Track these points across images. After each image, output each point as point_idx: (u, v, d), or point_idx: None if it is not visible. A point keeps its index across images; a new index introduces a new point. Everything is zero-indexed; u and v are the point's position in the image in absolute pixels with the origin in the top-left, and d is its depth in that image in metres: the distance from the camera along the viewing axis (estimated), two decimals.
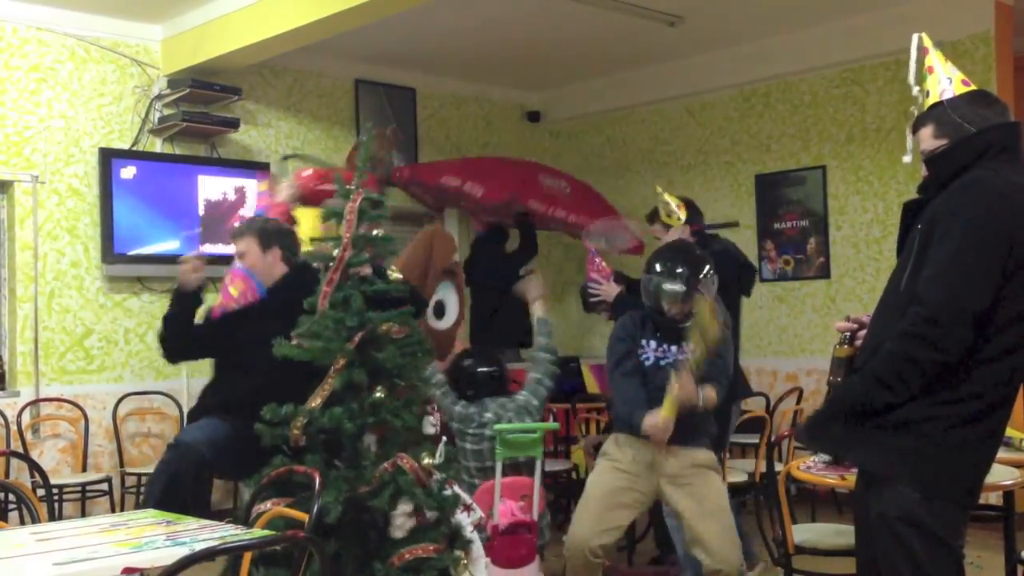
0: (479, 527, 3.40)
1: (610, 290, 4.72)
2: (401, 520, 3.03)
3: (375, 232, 3.19)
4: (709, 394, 3.74)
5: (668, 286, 3.78)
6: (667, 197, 4.73)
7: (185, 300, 4.01)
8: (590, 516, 3.76)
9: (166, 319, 4.07)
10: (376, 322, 3.08)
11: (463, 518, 3.21)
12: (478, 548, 3.24)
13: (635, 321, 3.94)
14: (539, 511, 4.02)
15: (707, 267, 3.86)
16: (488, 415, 4.26)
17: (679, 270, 3.80)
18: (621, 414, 3.85)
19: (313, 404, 3.04)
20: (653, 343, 3.86)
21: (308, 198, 4.34)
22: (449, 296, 4.96)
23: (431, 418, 3.30)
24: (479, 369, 4.42)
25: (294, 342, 3.15)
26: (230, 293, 3.86)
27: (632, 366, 3.83)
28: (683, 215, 4.65)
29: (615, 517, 3.76)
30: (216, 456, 3.76)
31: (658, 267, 3.84)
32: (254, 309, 3.98)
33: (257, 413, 3.28)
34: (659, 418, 3.63)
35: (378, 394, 3.05)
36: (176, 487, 3.68)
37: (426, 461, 3.09)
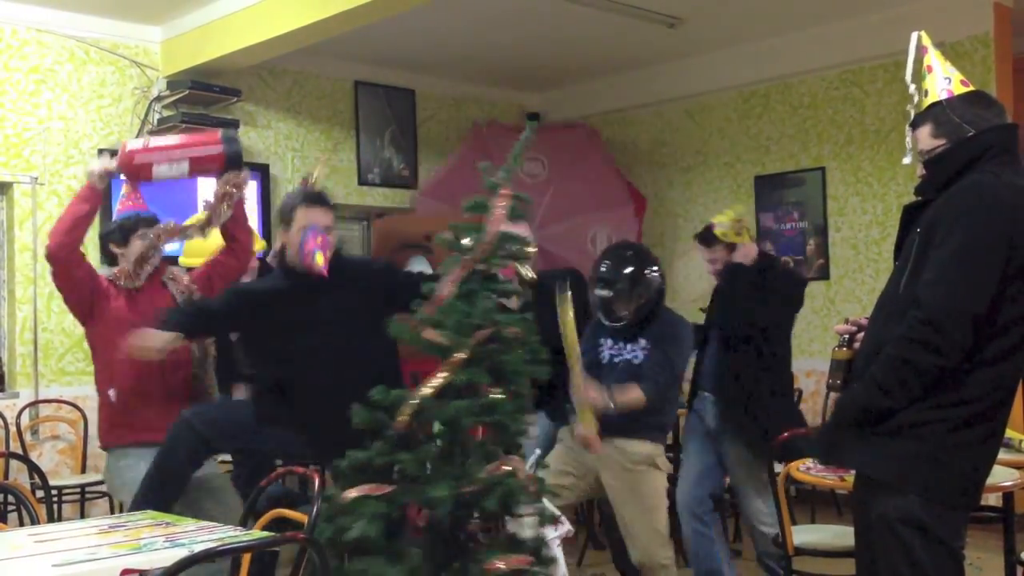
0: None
1: None
2: (530, 521, 2.90)
3: (519, 233, 3.03)
4: (630, 395, 3.71)
5: (597, 292, 3.93)
6: (727, 216, 4.51)
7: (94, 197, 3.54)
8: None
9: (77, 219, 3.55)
10: (503, 323, 2.94)
11: (550, 532, 3.04)
12: (562, 567, 3.11)
13: (596, 319, 4.05)
14: None
15: (632, 267, 3.89)
16: None
17: (603, 273, 3.94)
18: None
19: (425, 392, 2.86)
20: (610, 341, 3.98)
21: (130, 174, 3.65)
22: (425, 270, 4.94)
23: (532, 427, 3.25)
24: None
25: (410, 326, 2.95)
26: (318, 261, 3.40)
27: (587, 362, 3.83)
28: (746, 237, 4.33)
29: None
30: (221, 435, 3.49)
31: (598, 269, 3.96)
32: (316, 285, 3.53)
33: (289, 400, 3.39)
34: (582, 431, 3.65)
35: (499, 395, 2.91)
36: (169, 469, 3.42)
37: (528, 468, 2.94)
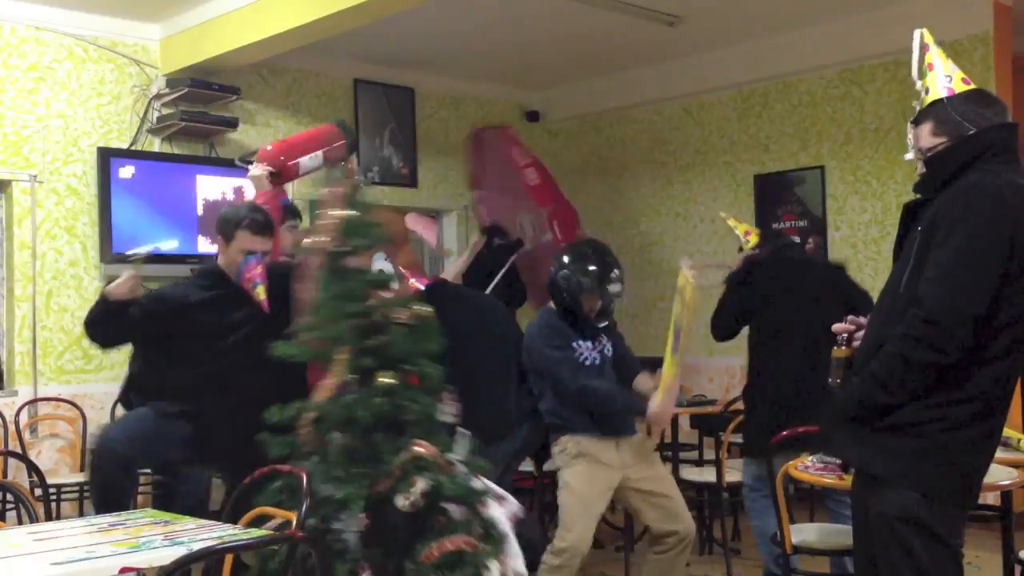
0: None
1: None
2: (415, 498, 2.83)
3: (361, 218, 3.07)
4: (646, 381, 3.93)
5: (612, 287, 3.90)
6: (732, 223, 4.76)
7: (112, 310, 3.69)
8: (592, 520, 3.80)
9: (95, 322, 3.75)
10: (377, 307, 2.95)
11: (497, 511, 3.03)
12: (514, 543, 3.04)
13: (558, 322, 3.94)
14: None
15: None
16: None
17: (614, 272, 3.92)
18: (613, 408, 3.86)
19: (320, 398, 2.90)
20: (589, 343, 3.94)
21: (282, 173, 4.05)
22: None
23: (446, 406, 3.15)
24: None
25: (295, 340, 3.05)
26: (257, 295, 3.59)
27: (572, 364, 3.87)
28: (753, 240, 4.62)
29: (596, 520, 3.85)
30: (142, 451, 3.68)
31: (590, 267, 3.88)
32: (205, 300, 3.73)
33: (202, 400, 3.53)
34: (657, 403, 3.70)
35: (388, 379, 2.89)
36: (110, 491, 3.61)
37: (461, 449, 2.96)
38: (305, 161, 3.99)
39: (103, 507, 3.53)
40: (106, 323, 3.66)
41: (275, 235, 3.74)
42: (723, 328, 4.51)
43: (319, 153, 3.99)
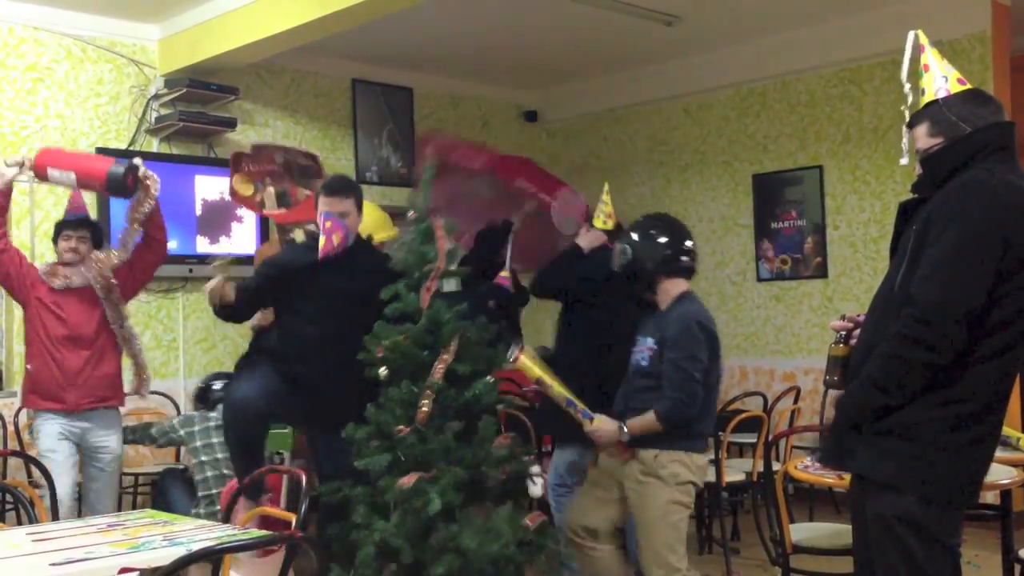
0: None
1: None
2: (540, 483, 3.67)
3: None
4: (644, 423, 3.53)
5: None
6: (605, 197, 4.52)
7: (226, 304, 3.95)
8: (580, 495, 3.86)
9: (223, 317, 4.04)
10: (470, 329, 3.55)
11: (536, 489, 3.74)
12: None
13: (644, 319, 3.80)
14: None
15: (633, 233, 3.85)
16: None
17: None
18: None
19: (436, 377, 3.41)
20: (639, 337, 3.74)
21: (34, 169, 4.25)
22: None
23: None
24: None
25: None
26: (332, 241, 3.79)
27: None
28: (611, 224, 4.43)
29: (596, 503, 3.74)
30: (276, 405, 3.85)
31: (688, 242, 3.74)
32: (328, 263, 3.85)
33: (323, 361, 3.75)
34: (597, 422, 3.64)
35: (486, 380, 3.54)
36: (249, 445, 3.81)
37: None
38: (54, 172, 4.13)
39: (242, 462, 3.78)
40: (228, 312, 3.95)
41: (344, 197, 3.88)
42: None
43: (72, 174, 4.12)
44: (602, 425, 3.61)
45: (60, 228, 4.39)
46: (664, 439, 3.54)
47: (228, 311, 3.94)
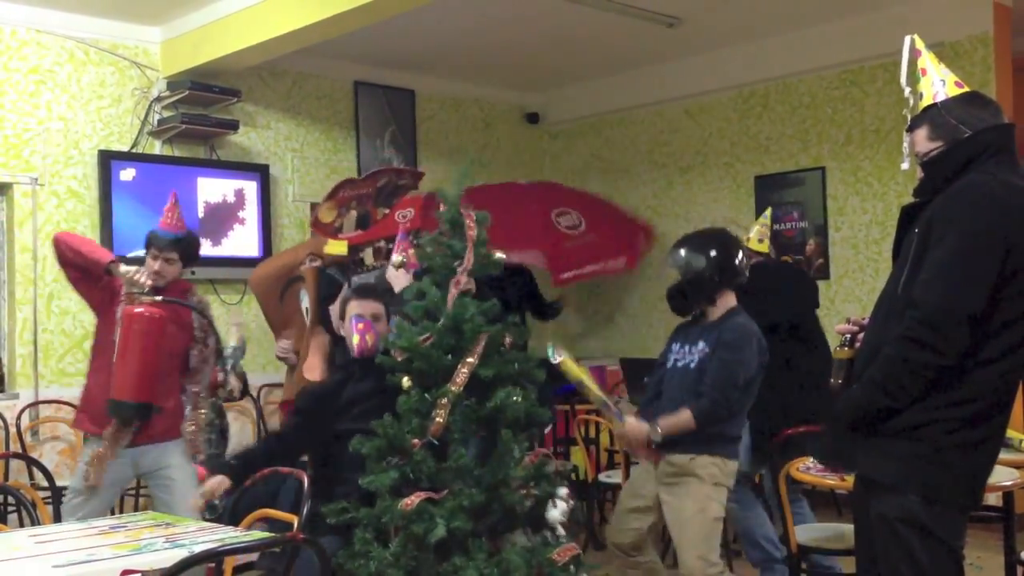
0: None
1: None
2: (562, 506, 3.09)
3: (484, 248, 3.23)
4: (679, 420, 3.54)
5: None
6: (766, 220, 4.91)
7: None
8: (616, 511, 3.86)
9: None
10: (497, 330, 3.11)
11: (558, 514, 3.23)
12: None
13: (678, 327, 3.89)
14: None
15: (685, 248, 3.81)
16: None
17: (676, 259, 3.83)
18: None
19: (459, 383, 3.00)
20: (676, 345, 3.80)
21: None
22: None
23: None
24: None
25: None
26: (366, 341, 3.64)
27: (658, 371, 3.84)
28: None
29: (630, 515, 3.75)
30: None
31: (739, 256, 3.77)
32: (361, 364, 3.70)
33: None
34: (626, 423, 3.65)
35: (518, 391, 3.07)
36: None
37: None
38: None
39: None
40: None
41: (373, 300, 3.80)
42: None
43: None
44: (633, 426, 3.63)
45: (149, 243, 3.89)
46: (701, 443, 3.58)
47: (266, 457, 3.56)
